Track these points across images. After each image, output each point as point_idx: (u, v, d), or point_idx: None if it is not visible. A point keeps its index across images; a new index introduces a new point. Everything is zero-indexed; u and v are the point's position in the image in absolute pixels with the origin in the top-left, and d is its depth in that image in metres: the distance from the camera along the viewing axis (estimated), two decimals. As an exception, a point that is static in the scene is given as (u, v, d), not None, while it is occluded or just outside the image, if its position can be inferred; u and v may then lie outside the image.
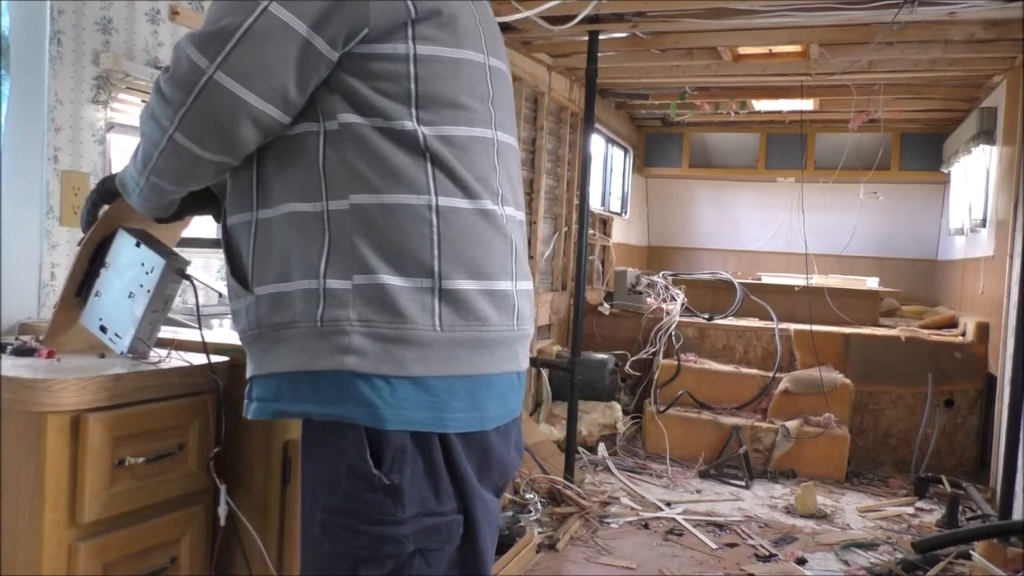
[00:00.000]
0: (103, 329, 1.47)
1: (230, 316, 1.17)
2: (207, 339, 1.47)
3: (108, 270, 1.45)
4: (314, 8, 0.98)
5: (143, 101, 2.16)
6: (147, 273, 1.38)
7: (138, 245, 1.41)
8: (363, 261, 1.00)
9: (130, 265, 1.41)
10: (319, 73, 1.01)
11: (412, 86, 1.02)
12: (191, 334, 1.76)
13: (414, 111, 1.02)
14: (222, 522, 1.47)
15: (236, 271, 1.12)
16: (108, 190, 1.32)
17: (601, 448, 4.46)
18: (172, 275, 1.39)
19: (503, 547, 2.75)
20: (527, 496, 3.40)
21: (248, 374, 1.11)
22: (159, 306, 1.42)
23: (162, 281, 1.38)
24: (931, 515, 3.71)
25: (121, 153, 2.19)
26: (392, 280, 1.00)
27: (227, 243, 1.14)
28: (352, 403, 0.99)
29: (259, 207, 1.07)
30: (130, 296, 1.40)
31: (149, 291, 1.38)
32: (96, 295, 1.46)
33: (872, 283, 5.56)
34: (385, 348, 0.99)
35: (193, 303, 2.26)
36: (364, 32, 1.00)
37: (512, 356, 1.12)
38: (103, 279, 1.45)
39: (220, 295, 2.34)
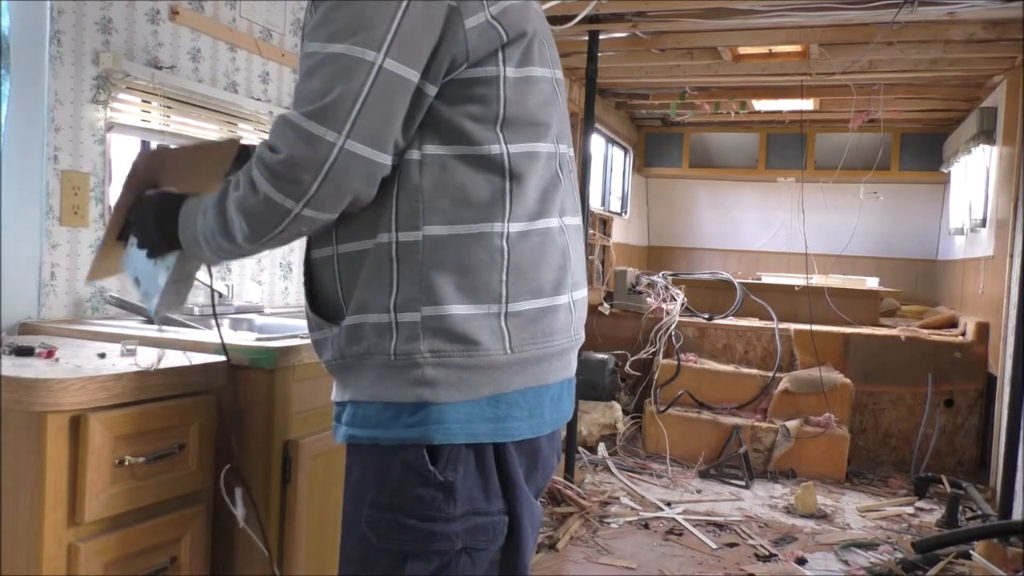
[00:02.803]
0: (137, 282, 1.44)
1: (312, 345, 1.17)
2: (205, 340, 1.47)
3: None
4: (422, 53, 0.99)
5: (144, 101, 2.16)
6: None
7: None
8: (433, 291, 1.01)
9: None
10: (423, 111, 1.02)
11: (501, 108, 1.04)
12: (192, 334, 1.76)
13: (500, 132, 1.04)
14: (240, 523, 1.48)
15: (315, 304, 1.13)
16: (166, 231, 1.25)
17: (601, 448, 4.46)
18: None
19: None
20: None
21: (333, 398, 1.13)
22: (181, 277, 1.39)
23: (182, 257, 1.35)
24: (931, 515, 3.71)
25: (121, 153, 2.18)
26: (462, 309, 1.01)
27: (309, 276, 1.15)
28: (422, 428, 1.01)
29: (339, 241, 1.08)
30: (154, 263, 1.38)
31: (168, 268, 1.36)
32: (133, 245, 1.43)
33: (872, 283, 5.56)
34: (459, 376, 1.01)
35: (193, 303, 2.27)
36: (464, 66, 1.02)
37: (567, 364, 1.16)
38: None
39: (220, 295, 2.34)
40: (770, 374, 4.58)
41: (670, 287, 5.39)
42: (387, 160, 1.00)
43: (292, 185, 0.97)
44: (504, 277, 1.03)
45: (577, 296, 1.16)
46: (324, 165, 0.95)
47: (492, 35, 1.03)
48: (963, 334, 4.62)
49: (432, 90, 1.01)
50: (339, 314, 1.09)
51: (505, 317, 1.03)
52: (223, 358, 1.54)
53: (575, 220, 1.19)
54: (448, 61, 1.01)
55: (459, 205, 1.02)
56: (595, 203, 6.04)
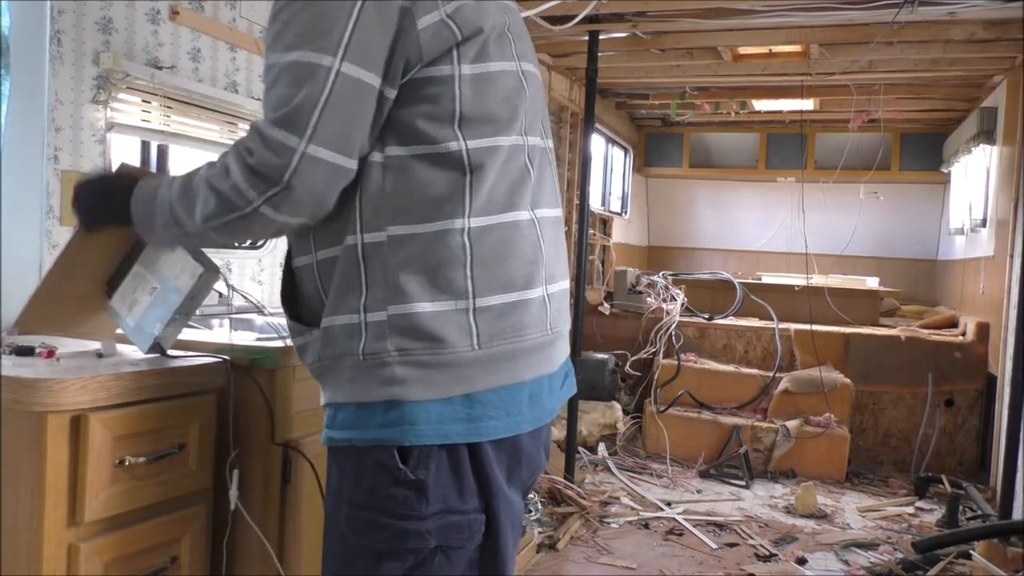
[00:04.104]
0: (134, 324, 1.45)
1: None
2: (205, 340, 1.47)
3: (139, 266, 1.44)
4: (379, 56, 1.00)
5: (144, 101, 2.16)
6: (177, 277, 1.37)
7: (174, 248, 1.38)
8: (399, 290, 1.02)
9: (168, 265, 1.40)
10: (384, 115, 1.04)
11: (456, 106, 1.04)
12: (191, 334, 1.76)
13: (457, 130, 1.04)
14: (232, 505, 1.49)
15: (298, 310, 1.15)
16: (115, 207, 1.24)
17: (601, 448, 4.46)
18: (209, 283, 1.38)
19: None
20: (527, 496, 3.39)
21: (321, 402, 1.14)
22: (189, 310, 1.41)
23: (196, 287, 1.37)
24: (931, 515, 3.71)
25: (121, 153, 2.18)
26: (428, 307, 1.02)
27: (290, 284, 1.17)
28: (393, 428, 1.02)
29: (316, 248, 1.10)
30: (155, 296, 1.39)
31: (182, 294, 1.37)
32: (129, 290, 1.45)
33: (872, 283, 5.56)
34: (426, 374, 1.02)
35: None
36: (418, 66, 1.03)
37: (546, 360, 1.14)
38: (135, 274, 1.44)
39: (220, 295, 2.34)
40: (770, 374, 4.58)
41: (670, 287, 5.39)
42: (351, 164, 1.02)
43: (259, 182, 1.00)
44: (469, 272, 1.04)
45: (553, 289, 1.15)
46: (286, 169, 0.98)
47: (446, 34, 1.03)
48: (963, 334, 4.62)
49: (392, 93, 1.02)
50: (322, 316, 1.10)
51: (474, 312, 1.04)
52: (224, 358, 1.54)
53: (551, 212, 1.18)
54: (403, 63, 1.02)
55: (420, 204, 1.03)
56: (595, 203, 6.04)
